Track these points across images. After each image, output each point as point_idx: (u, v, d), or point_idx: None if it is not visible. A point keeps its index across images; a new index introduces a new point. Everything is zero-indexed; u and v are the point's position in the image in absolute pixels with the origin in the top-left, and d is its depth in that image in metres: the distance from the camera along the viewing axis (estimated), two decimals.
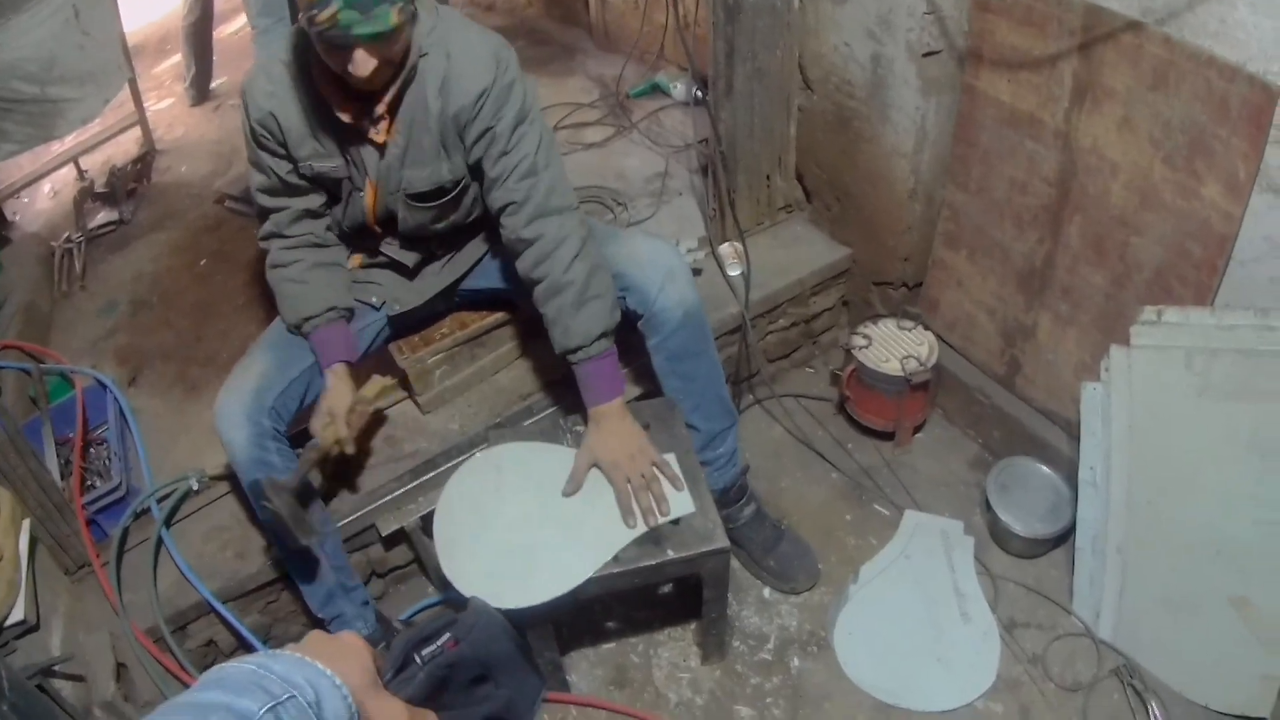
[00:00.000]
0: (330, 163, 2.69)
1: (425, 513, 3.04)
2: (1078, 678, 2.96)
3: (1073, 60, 2.82)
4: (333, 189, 2.79)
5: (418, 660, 1.56)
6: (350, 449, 2.80)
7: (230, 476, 3.08)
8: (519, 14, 6.22)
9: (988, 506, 3.28)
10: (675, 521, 2.63)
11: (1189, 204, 2.69)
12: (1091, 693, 2.91)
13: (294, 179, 2.73)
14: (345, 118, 2.57)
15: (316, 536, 2.69)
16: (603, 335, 2.66)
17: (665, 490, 2.68)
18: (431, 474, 3.10)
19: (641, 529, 2.61)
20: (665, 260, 2.83)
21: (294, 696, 1.09)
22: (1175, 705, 2.85)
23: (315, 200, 2.81)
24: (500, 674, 1.77)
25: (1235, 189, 2.57)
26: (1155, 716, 2.82)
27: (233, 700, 1.04)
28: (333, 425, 2.76)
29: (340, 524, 2.97)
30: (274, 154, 2.68)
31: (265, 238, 2.85)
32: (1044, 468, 3.29)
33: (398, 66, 2.48)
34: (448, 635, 1.63)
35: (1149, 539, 2.87)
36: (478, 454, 2.89)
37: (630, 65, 5.03)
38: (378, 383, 2.98)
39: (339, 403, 2.78)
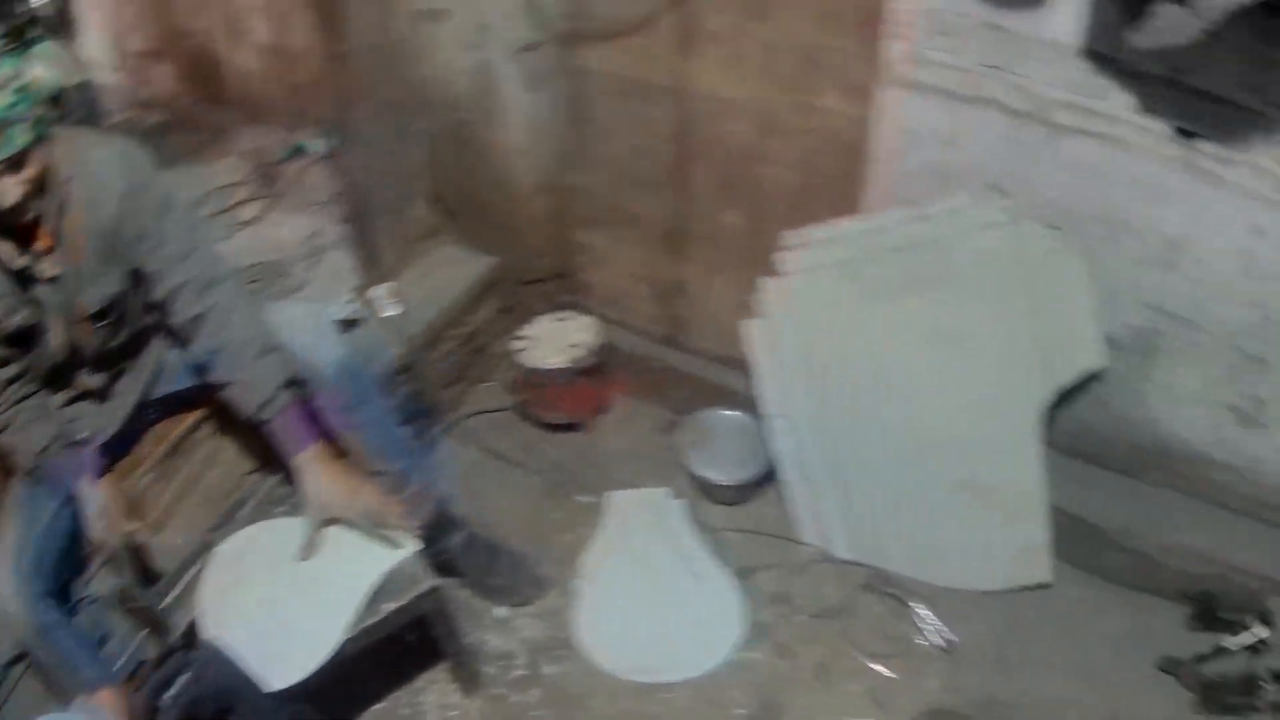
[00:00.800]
0: (19, 315, 2.43)
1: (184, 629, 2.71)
2: (829, 602, 2.89)
3: (672, 14, 2.74)
4: (27, 337, 2.52)
5: (163, 704, 1.37)
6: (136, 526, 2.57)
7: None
8: (174, 105, 5.76)
9: (688, 467, 3.17)
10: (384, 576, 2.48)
11: (812, 121, 2.67)
12: (848, 613, 2.85)
13: None
14: (16, 263, 2.34)
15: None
16: (289, 384, 2.52)
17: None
18: (173, 593, 2.75)
19: (411, 548, 2.52)
20: (308, 322, 2.74)
21: None
22: (941, 599, 2.85)
23: (11, 369, 2.55)
24: (241, 705, 1.78)
25: (858, 93, 2.57)
26: (921, 616, 2.80)
27: None
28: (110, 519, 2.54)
29: None
30: None
31: None
32: (731, 413, 3.23)
33: (42, 190, 2.28)
34: (186, 675, 1.44)
35: (860, 450, 2.83)
36: (217, 551, 2.64)
37: (275, 132, 4.69)
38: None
39: (105, 497, 2.54)
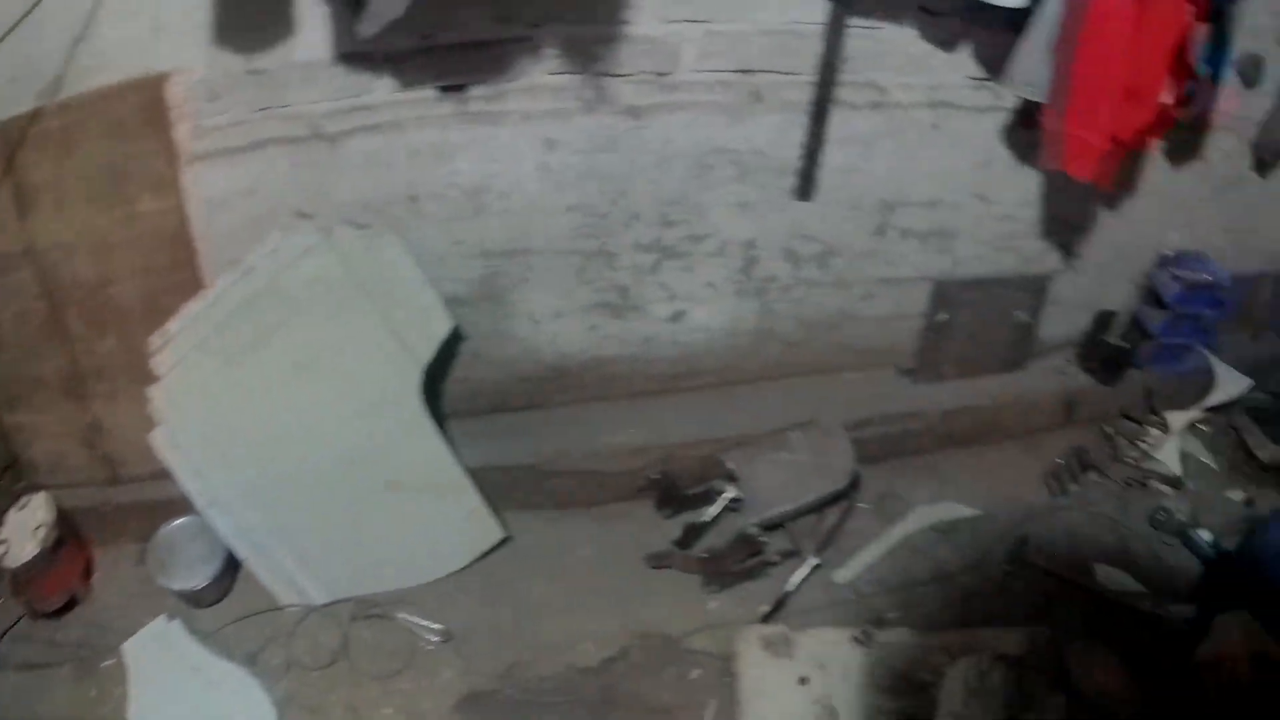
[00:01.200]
0: None
1: None
2: (330, 649, 2.90)
3: (7, 183, 2.72)
4: None
5: None
6: None
7: None
8: None
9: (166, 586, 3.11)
10: None
11: (138, 228, 2.73)
12: (349, 650, 2.87)
13: None
14: None
15: None
16: None
17: None
18: None
19: None
20: None
21: None
22: (422, 598, 2.96)
23: None
24: None
25: (165, 186, 2.67)
26: (408, 622, 2.88)
27: None
28: None
29: None
30: None
31: None
32: (182, 520, 3.17)
33: None
34: None
35: (288, 502, 2.85)
36: None
37: None
38: None
39: None
